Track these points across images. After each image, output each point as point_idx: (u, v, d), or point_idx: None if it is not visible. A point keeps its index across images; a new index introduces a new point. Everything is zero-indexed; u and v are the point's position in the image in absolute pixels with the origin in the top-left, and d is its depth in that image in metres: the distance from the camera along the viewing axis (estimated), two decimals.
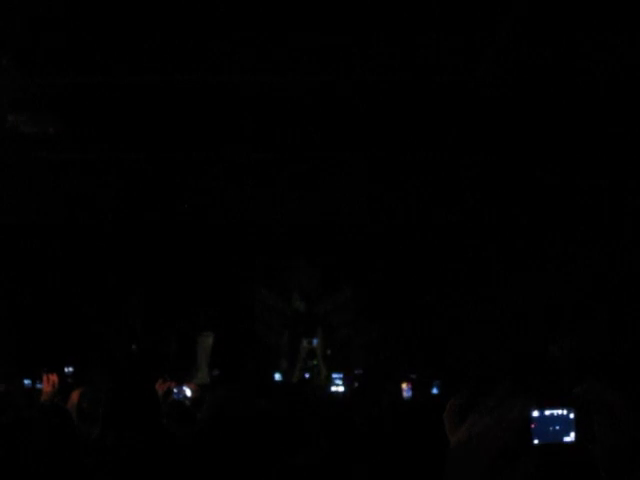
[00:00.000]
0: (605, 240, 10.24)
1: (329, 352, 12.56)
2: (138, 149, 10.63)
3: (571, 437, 2.68)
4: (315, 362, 12.63)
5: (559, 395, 2.71)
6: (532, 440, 2.63)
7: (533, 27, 7.66)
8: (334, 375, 9.05)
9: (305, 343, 12.64)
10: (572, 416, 2.68)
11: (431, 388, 8.28)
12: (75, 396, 8.14)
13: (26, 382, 9.55)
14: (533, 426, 2.63)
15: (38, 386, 8.38)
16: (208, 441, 5.10)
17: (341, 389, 8.65)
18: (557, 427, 2.67)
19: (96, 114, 9.79)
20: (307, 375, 12.11)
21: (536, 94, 8.96)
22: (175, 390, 8.60)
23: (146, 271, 13.36)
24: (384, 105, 9.62)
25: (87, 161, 10.99)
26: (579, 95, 8.82)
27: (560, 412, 2.68)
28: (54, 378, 8.02)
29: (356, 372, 10.55)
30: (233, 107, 9.54)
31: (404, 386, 8.02)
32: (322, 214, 12.63)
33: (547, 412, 2.65)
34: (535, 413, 2.63)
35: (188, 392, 8.44)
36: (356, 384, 9.09)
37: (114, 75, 8.78)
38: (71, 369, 10.66)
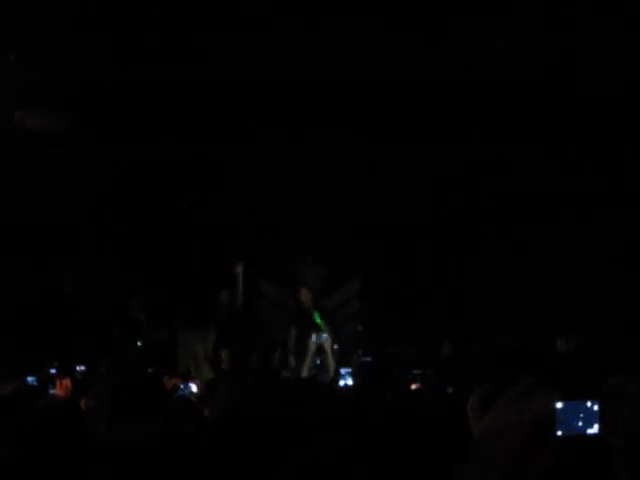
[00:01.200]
0: (620, 232, 10.25)
1: (336, 347, 12.53)
2: (145, 145, 10.62)
3: (595, 429, 2.67)
4: (321, 358, 12.60)
5: (584, 386, 2.71)
6: (555, 431, 2.62)
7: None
8: (342, 370, 9.02)
9: (314, 339, 12.59)
10: (596, 408, 2.67)
11: (442, 385, 8.25)
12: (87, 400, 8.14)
13: (29, 379, 9.53)
14: (557, 417, 2.62)
15: (51, 391, 8.36)
16: (220, 438, 5.10)
17: (350, 382, 8.63)
18: (581, 419, 2.66)
19: (103, 110, 9.79)
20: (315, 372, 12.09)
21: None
22: (181, 386, 8.61)
23: (150, 266, 13.34)
24: (390, 101, 9.61)
25: (93, 157, 10.98)
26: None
27: (584, 404, 2.67)
28: (67, 383, 8.00)
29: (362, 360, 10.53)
30: (241, 103, 9.54)
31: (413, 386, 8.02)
32: (327, 207, 12.64)
33: (571, 403, 2.64)
34: (559, 404, 2.62)
35: (194, 388, 8.45)
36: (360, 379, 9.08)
37: (120, 72, 8.79)
38: (83, 367, 10.64)
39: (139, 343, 13.28)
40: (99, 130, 10.24)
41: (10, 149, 10.08)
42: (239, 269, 12.51)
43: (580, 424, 2.62)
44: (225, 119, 10.02)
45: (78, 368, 11.03)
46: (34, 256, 12.68)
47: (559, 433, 2.62)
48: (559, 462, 2.59)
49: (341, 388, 8.90)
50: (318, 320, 12.85)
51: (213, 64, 8.65)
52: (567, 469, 2.60)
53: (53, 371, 9.97)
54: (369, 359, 11.18)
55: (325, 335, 12.64)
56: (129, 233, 13.04)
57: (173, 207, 12.38)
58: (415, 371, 9.19)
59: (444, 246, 13.05)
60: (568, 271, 10.99)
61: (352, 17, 7.78)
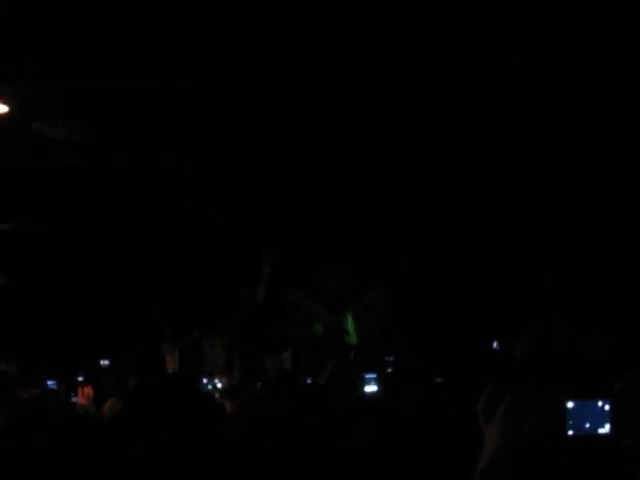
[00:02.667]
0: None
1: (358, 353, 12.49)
2: (165, 154, 10.63)
3: (606, 429, 2.61)
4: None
5: (595, 387, 2.65)
6: (567, 431, 2.57)
7: None
8: (367, 375, 8.93)
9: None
10: (607, 408, 2.61)
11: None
12: (108, 406, 8.15)
13: (49, 383, 9.56)
14: (568, 417, 2.56)
15: (73, 399, 8.39)
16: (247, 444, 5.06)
17: (374, 388, 8.55)
18: (592, 419, 2.60)
19: (121, 120, 9.80)
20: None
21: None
22: (205, 380, 8.57)
23: (175, 270, 13.38)
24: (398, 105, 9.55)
25: (113, 167, 11.00)
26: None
27: (596, 404, 2.61)
28: (89, 391, 8.02)
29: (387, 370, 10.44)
30: (263, 109, 9.51)
31: None
32: (351, 213, 12.61)
33: (583, 403, 2.59)
34: (570, 404, 2.56)
35: (219, 384, 8.43)
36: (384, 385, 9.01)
37: (139, 81, 8.77)
38: (107, 362, 10.69)
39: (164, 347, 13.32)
40: (119, 140, 10.26)
41: (29, 159, 10.13)
42: (266, 270, 12.52)
43: (591, 424, 2.56)
44: (248, 124, 10.01)
45: (102, 362, 11.07)
46: (56, 264, 12.75)
47: (570, 433, 2.56)
48: (570, 461, 2.53)
49: (365, 395, 8.85)
50: (349, 326, 12.85)
51: (235, 72, 8.62)
52: (578, 469, 2.54)
53: (80, 379, 10.00)
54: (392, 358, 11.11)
55: None
56: (152, 239, 13.08)
57: (196, 214, 12.39)
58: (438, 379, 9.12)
59: (469, 246, 12.98)
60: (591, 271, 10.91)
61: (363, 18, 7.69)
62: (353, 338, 13.03)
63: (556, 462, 2.54)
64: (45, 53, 8.24)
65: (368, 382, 8.91)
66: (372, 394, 8.84)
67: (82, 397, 7.86)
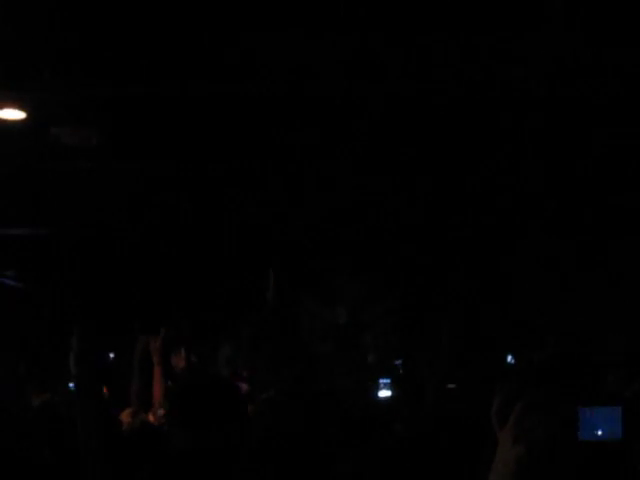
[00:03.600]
0: None
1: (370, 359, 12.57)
2: (181, 160, 10.67)
3: (617, 435, 2.64)
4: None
5: (607, 393, 2.68)
6: (579, 436, 2.59)
7: None
8: (381, 380, 9.01)
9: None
10: (619, 414, 2.63)
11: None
12: (126, 416, 8.19)
13: (71, 385, 9.59)
14: (580, 422, 2.59)
15: None
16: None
17: (389, 393, 8.65)
18: (604, 424, 2.62)
19: (139, 126, 9.84)
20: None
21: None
22: None
23: (194, 278, 13.44)
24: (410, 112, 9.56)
25: (129, 172, 11.05)
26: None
27: (607, 409, 2.64)
28: (104, 390, 8.07)
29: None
30: (276, 115, 9.54)
31: None
32: (367, 221, 12.62)
33: (595, 409, 2.61)
34: (583, 410, 2.59)
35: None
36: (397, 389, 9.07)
37: (158, 87, 8.82)
38: (112, 355, 10.73)
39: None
40: (136, 146, 10.30)
41: (46, 165, 10.19)
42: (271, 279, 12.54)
43: (603, 429, 2.59)
44: (259, 131, 10.03)
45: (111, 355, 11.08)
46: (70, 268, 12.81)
47: (583, 438, 2.59)
48: (582, 467, 2.56)
49: (380, 400, 8.91)
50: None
51: (246, 78, 8.64)
52: (590, 473, 2.57)
53: None
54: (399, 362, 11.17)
55: None
56: (172, 242, 13.13)
57: (214, 218, 12.42)
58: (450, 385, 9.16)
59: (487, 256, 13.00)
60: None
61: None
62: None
63: (568, 468, 2.57)
64: (63, 59, 8.29)
65: (383, 387, 9.00)
66: (386, 399, 8.92)
67: None
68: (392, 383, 9.21)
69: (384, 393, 9.01)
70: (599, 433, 2.61)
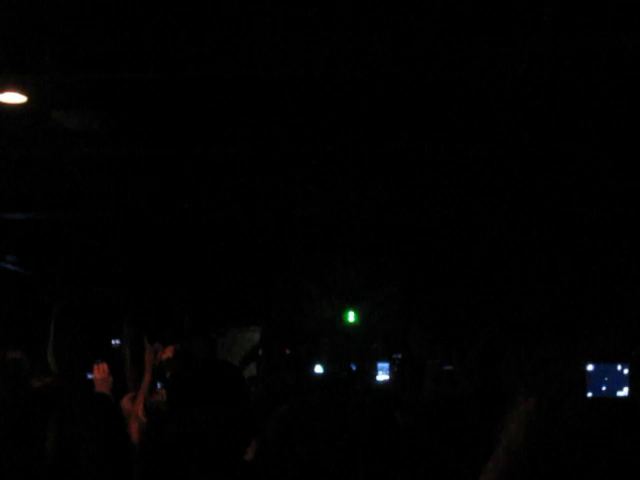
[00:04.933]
0: None
1: (374, 346, 12.57)
2: (183, 145, 10.66)
3: (624, 392, 2.67)
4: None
5: (614, 350, 2.71)
6: (586, 393, 2.62)
7: None
8: (379, 364, 9.06)
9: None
10: (626, 371, 2.66)
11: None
12: (126, 401, 8.23)
13: None
14: (587, 379, 2.62)
15: (89, 376, 8.47)
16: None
17: (387, 377, 8.70)
18: (611, 381, 2.65)
19: (141, 110, 9.84)
20: (354, 367, 12.10)
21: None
22: None
23: (191, 267, 13.45)
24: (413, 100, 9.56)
25: (131, 157, 11.04)
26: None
27: (615, 367, 2.66)
28: (104, 367, 8.12)
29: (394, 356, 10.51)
30: (277, 101, 9.54)
31: None
32: (367, 210, 12.62)
33: (602, 366, 2.64)
34: (590, 367, 2.62)
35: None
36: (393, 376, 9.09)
37: (159, 72, 8.81)
38: (118, 342, 10.73)
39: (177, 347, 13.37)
40: (137, 130, 10.29)
41: (48, 149, 10.18)
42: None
43: (610, 387, 2.61)
44: (264, 119, 10.03)
45: (113, 342, 11.09)
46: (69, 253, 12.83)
47: (589, 394, 2.62)
48: (589, 422, 2.59)
49: (378, 383, 8.94)
50: (350, 320, 12.93)
51: (258, 62, 8.64)
52: (596, 430, 2.60)
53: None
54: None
55: None
56: (171, 230, 13.13)
57: (213, 206, 12.41)
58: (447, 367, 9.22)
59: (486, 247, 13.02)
60: None
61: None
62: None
63: (577, 422, 2.60)
64: (64, 42, 8.28)
65: (380, 370, 9.04)
66: (384, 383, 8.97)
67: (98, 372, 7.95)
68: (390, 367, 9.24)
69: (382, 377, 9.05)
70: (606, 390, 2.64)
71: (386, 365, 9.08)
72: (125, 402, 8.19)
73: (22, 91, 8.95)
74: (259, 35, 8.25)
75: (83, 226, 12.67)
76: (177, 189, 11.90)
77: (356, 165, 11.50)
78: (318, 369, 11.29)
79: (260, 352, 11.49)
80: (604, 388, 2.61)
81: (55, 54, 8.39)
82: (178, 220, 13.02)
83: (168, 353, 8.90)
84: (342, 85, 9.13)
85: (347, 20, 7.73)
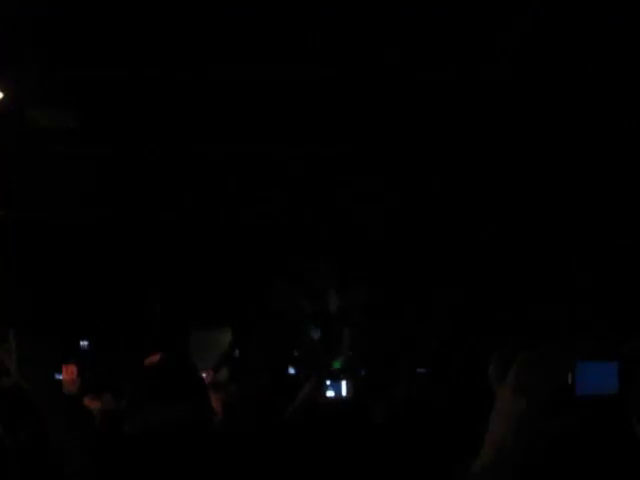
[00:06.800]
0: None
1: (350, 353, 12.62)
2: (159, 144, 10.64)
3: (614, 390, 2.67)
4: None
5: (604, 348, 2.70)
6: (574, 391, 2.62)
7: None
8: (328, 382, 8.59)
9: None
10: (616, 369, 2.66)
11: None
12: (88, 402, 8.18)
13: None
14: (576, 377, 2.62)
15: (58, 377, 8.44)
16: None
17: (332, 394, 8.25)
18: (600, 380, 2.65)
19: (117, 109, 9.80)
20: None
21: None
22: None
23: (164, 266, 13.42)
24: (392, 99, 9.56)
25: (106, 156, 11.01)
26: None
27: (604, 365, 2.66)
28: (72, 368, 8.09)
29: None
30: (254, 101, 9.52)
31: None
32: (338, 211, 12.63)
33: (591, 364, 2.64)
34: (579, 365, 2.62)
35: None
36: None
37: (135, 69, 8.79)
38: (86, 343, 10.71)
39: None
40: (113, 128, 10.27)
41: (23, 147, 10.13)
42: None
43: (599, 385, 2.62)
44: (235, 118, 10.02)
45: (82, 343, 11.04)
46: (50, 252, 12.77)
47: (578, 393, 2.62)
48: (577, 422, 2.60)
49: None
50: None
51: (233, 63, 8.63)
52: (584, 429, 2.61)
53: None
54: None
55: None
56: (145, 229, 13.10)
57: (188, 206, 12.40)
58: (420, 369, 9.20)
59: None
60: None
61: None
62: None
63: (567, 423, 2.61)
64: (41, 40, 8.25)
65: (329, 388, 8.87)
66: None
67: (66, 374, 7.93)
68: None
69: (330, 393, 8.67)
70: (594, 388, 2.64)
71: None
72: (87, 403, 8.17)
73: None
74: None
75: (56, 225, 12.64)
76: (151, 189, 11.88)
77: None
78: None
79: (236, 353, 11.51)
80: (593, 386, 2.61)
81: (32, 51, 8.36)
82: (151, 219, 13.00)
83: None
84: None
85: None
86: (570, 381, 2.56)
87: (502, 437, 2.55)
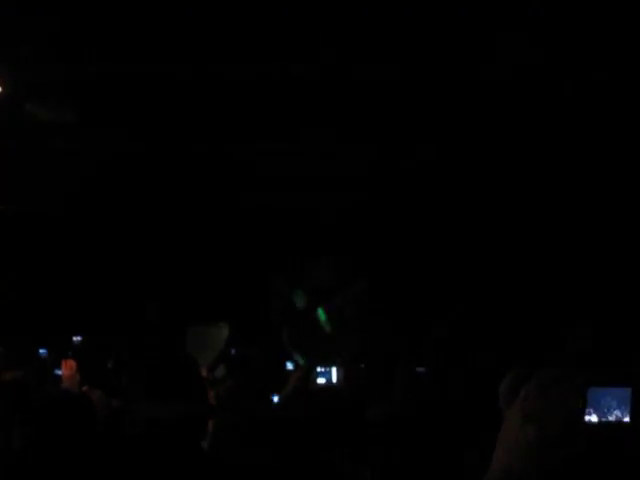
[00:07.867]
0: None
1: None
2: (156, 139, 10.62)
3: (626, 416, 2.66)
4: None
5: (617, 374, 2.69)
6: (587, 417, 2.60)
7: None
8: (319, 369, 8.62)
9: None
10: (629, 395, 2.65)
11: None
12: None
13: (41, 351, 9.54)
14: (589, 403, 2.60)
15: (58, 372, 8.45)
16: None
17: (323, 381, 8.28)
18: (613, 405, 2.64)
19: (115, 103, 9.77)
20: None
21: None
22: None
23: (161, 261, 13.42)
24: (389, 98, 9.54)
25: (104, 151, 10.98)
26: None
27: (617, 390, 2.65)
28: (72, 363, 8.09)
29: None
30: (256, 98, 9.50)
31: None
32: (337, 205, 12.60)
33: (604, 390, 2.63)
34: (592, 391, 2.61)
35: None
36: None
37: (133, 64, 8.77)
38: (79, 337, 10.72)
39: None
40: (111, 123, 10.24)
41: (22, 142, 10.11)
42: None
43: (612, 410, 2.60)
44: (231, 116, 10.00)
45: (74, 339, 11.04)
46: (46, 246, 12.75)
47: (591, 419, 2.60)
48: (590, 448, 2.58)
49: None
50: (322, 318, 12.94)
51: (231, 59, 8.60)
52: (598, 455, 2.58)
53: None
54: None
55: None
56: (143, 225, 13.09)
57: (186, 201, 12.38)
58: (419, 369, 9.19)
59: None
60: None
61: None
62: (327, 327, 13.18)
63: (577, 450, 2.59)
64: (40, 35, 8.22)
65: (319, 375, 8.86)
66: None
67: (66, 368, 7.93)
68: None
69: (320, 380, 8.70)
70: (608, 414, 2.63)
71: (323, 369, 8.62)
72: (85, 391, 8.18)
73: None
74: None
75: (54, 219, 12.62)
76: (150, 183, 11.85)
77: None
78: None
79: (233, 351, 11.45)
80: (606, 412, 2.59)
81: (31, 46, 8.33)
82: (148, 214, 12.98)
83: None
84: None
85: None
86: (582, 406, 2.55)
87: (507, 464, 2.53)
